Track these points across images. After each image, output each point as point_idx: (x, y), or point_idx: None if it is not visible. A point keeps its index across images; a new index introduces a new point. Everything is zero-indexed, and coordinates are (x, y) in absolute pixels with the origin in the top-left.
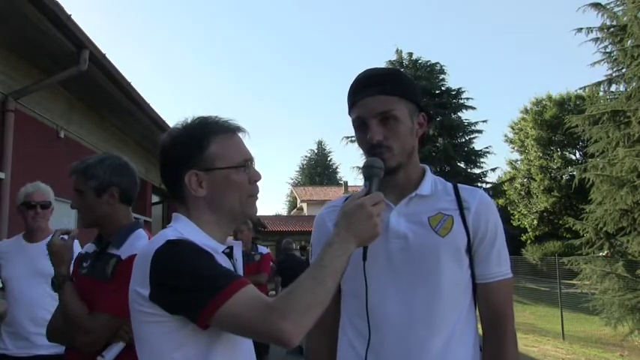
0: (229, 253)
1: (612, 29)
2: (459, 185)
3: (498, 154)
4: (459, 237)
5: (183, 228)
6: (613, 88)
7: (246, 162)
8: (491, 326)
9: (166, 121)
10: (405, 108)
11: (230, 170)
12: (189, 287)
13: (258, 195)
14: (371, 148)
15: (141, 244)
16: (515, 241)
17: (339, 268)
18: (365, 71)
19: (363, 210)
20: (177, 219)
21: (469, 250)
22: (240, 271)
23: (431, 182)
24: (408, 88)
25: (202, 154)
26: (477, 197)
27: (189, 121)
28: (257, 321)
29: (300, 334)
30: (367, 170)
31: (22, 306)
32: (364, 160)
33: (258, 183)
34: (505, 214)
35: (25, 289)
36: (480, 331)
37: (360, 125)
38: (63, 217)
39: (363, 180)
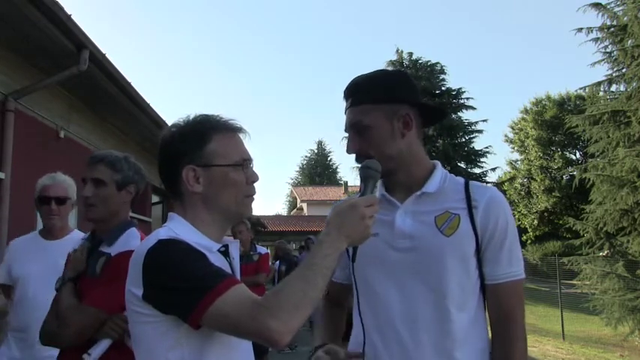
0: (225, 252)
1: (612, 29)
2: (471, 182)
3: (498, 154)
4: (466, 236)
5: (177, 227)
6: (613, 88)
7: (245, 162)
8: (499, 328)
9: (166, 121)
10: (379, 112)
11: (228, 168)
12: (180, 287)
13: (254, 196)
14: (356, 159)
15: (133, 243)
16: None
17: (329, 267)
18: (349, 81)
19: (356, 211)
20: (172, 218)
21: (478, 249)
22: (237, 269)
23: (439, 179)
24: (383, 90)
25: (202, 150)
26: (486, 195)
27: (191, 117)
28: (246, 320)
29: (290, 333)
30: (363, 171)
31: (34, 309)
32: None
33: (255, 184)
34: None
35: (40, 290)
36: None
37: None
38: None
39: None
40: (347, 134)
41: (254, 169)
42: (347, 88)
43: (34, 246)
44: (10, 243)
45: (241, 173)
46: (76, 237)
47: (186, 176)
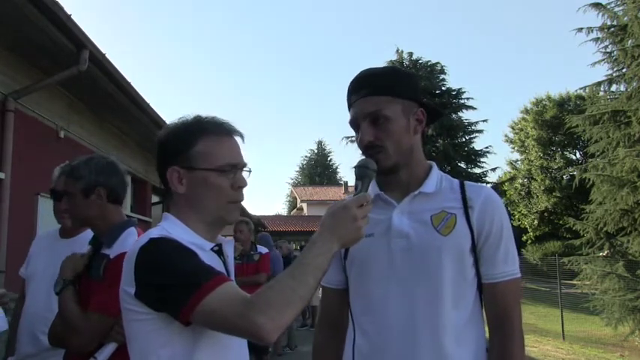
0: (219, 251)
1: (612, 29)
2: (466, 183)
3: (498, 154)
4: (462, 236)
5: (169, 226)
6: (613, 88)
7: (231, 167)
8: (497, 327)
9: (166, 121)
10: (398, 106)
11: (209, 172)
12: (170, 284)
13: (242, 202)
14: (365, 150)
15: (129, 243)
16: (515, 241)
17: (320, 267)
18: (359, 73)
19: (348, 212)
20: (166, 218)
21: (474, 249)
22: (232, 268)
23: (436, 180)
24: (402, 85)
25: (188, 152)
26: (482, 195)
27: (185, 118)
28: (234, 316)
29: (278, 330)
30: (359, 170)
31: (27, 315)
32: (357, 160)
33: (243, 190)
34: None
35: (35, 291)
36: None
37: (355, 127)
38: None
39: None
40: (352, 129)
41: (244, 174)
42: (359, 79)
43: (48, 242)
44: (37, 236)
45: (224, 179)
46: (88, 237)
47: (170, 177)
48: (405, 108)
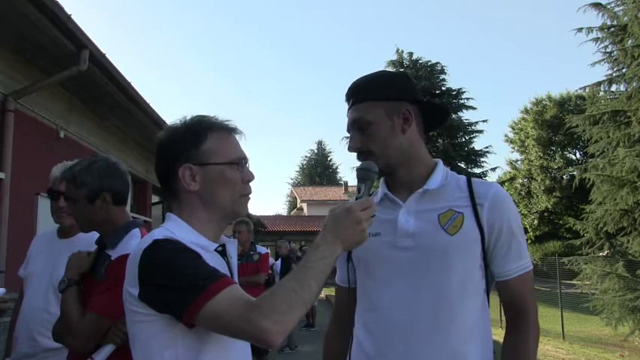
0: (222, 251)
1: (612, 29)
2: (473, 179)
3: (498, 154)
4: (471, 235)
5: (173, 227)
6: (613, 88)
7: (241, 160)
8: (513, 319)
9: (166, 121)
10: (380, 109)
11: (224, 166)
12: (174, 286)
13: (250, 195)
14: (356, 156)
15: (132, 244)
16: None
17: (324, 270)
18: (350, 84)
19: (352, 215)
20: (169, 218)
21: (483, 247)
22: (235, 269)
23: (441, 177)
24: (383, 88)
25: (198, 149)
26: (490, 192)
27: (187, 118)
28: (239, 320)
29: (282, 334)
30: (361, 172)
31: (24, 315)
32: (359, 163)
33: (251, 183)
34: None
35: (33, 292)
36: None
37: None
38: None
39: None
40: (349, 134)
41: (250, 168)
42: (348, 89)
43: (46, 243)
44: (35, 236)
45: (237, 172)
46: (89, 237)
47: (183, 175)
48: (388, 109)
